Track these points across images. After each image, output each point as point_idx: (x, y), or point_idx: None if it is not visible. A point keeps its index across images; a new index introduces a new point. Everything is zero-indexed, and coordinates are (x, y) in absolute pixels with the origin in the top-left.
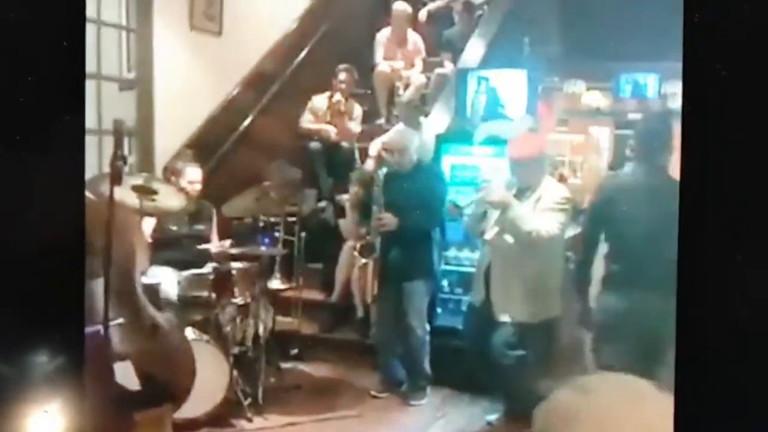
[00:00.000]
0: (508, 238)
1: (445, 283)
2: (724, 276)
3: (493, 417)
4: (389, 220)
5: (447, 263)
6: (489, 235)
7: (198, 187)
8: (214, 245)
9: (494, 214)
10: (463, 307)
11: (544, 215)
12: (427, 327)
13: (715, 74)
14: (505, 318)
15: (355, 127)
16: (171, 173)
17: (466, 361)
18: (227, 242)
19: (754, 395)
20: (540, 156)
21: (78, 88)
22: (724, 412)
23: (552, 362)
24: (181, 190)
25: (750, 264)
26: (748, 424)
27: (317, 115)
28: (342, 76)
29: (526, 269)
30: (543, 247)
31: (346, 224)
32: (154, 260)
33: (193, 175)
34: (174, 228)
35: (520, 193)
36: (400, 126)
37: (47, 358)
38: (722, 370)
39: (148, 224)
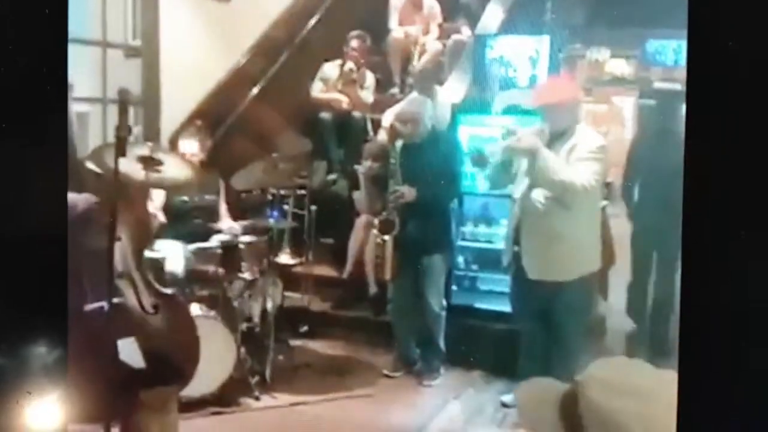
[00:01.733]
0: (538, 193)
1: (460, 259)
2: (728, 254)
3: (508, 397)
4: (407, 192)
5: (463, 239)
6: (517, 188)
7: (196, 159)
8: (225, 225)
9: (523, 165)
10: (479, 285)
11: (579, 165)
12: (444, 303)
13: (722, 45)
14: (539, 277)
15: (368, 96)
16: (175, 143)
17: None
18: (237, 226)
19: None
20: (573, 102)
21: (60, 58)
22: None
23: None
24: (185, 159)
25: (755, 241)
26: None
27: (328, 83)
28: (354, 43)
29: (561, 223)
30: (578, 200)
31: (360, 197)
32: (162, 233)
33: (187, 148)
34: (184, 199)
35: (553, 141)
36: (413, 95)
37: (32, 345)
38: (726, 360)
39: (157, 197)
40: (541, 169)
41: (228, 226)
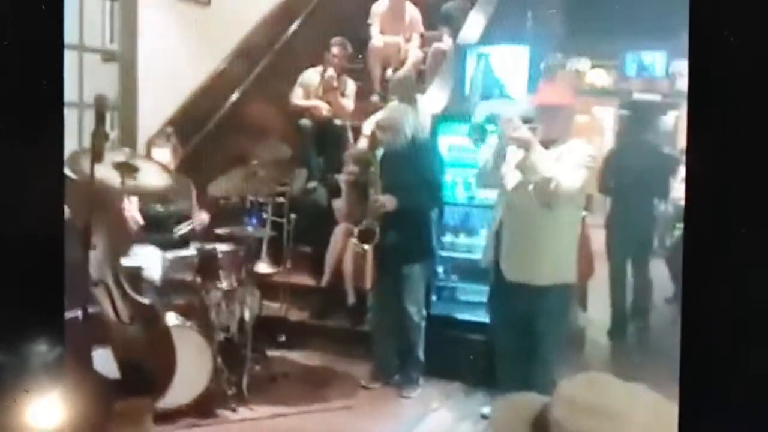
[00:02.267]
0: (527, 188)
1: (440, 269)
2: (729, 256)
3: (488, 409)
4: (387, 201)
5: (443, 249)
6: (507, 182)
7: (170, 166)
8: (195, 221)
9: (511, 162)
10: (459, 295)
11: (568, 168)
12: (424, 313)
13: (723, 40)
14: (516, 279)
15: (349, 104)
16: (150, 149)
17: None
18: (205, 215)
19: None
20: (569, 107)
21: (56, 59)
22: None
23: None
24: (162, 165)
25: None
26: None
27: (309, 90)
28: (335, 50)
29: (542, 226)
30: (562, 202)
31: (340, 205)
32: (138, 240)
33: (159, 156)
34: (159, 207)
35: (545, 145)
36: (394, 102)
37: (27, 345)
38: (727, 369)
39: (134, 204)
40: (532, 163)
41: (198, 219)
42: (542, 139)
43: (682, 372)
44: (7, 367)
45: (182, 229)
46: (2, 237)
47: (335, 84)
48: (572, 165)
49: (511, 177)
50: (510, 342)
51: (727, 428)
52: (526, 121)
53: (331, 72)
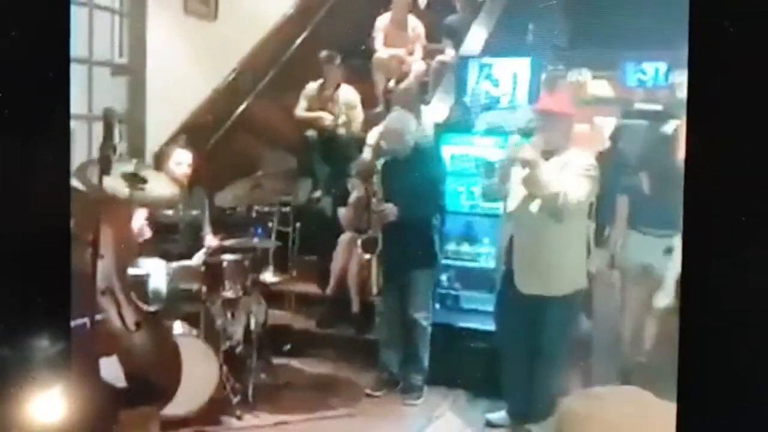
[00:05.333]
0: (534, 203)
1: (444, 277)
2: (728, 256)
3: (493, 416)
4: (389, 210)
5: (446, 257)
6: (512, 202)
7: (186, 170)
8: (207, 248)
9: (521, 175)
10: (463, 303)
11: (572, 179)
12: (430, 319)
13: (723, 31)
14: (530, 291)
15: (358, 115)
16: (161, 159)
17: (467, 359)
18: (216, 241)
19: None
20: (568, 117)
21: (63, 73)
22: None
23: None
24: (171, 175)
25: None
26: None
27: (311, 102)
28: (323, 64)
29: (551, 238)
30: (568, 212)
31: (345, 215)
32: (144, 251)
33: (180, 158)
34: (169, 213)
35: (545, 157)
36: (396, 112)
37: (35, 349)
38: (725, 370)
39: (139, 214)
40: (539, 181)
41: (210, 244)
42: (543, 150)
43: (681, 372)
44: (14, 364)
45: (199, 257)
46: (11, 236)
47: (331, 96)
48: (575, 176)
49: (517, 192)
50: (517, 350)
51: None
52: (527, 133)
53: (328, 90)
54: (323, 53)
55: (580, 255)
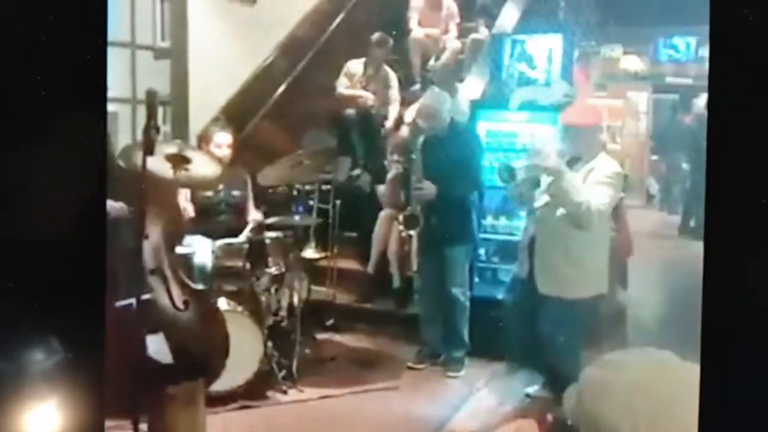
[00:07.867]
0: (557, 210)
1: (482, 251)
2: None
3: (532, 389)
4: (428, 187)
5: (484, 231)
6: (539, 203)
7: (227, 151)
8: (251, 223)
9: (545, 182)
10: (501, 276)
11: (596, 188)
12: (468, 294)
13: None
14: (549, 293)
15: (394, 94)
16: (203, 140)
17: (506, 333)
18: (259, 215)
19: None
20: (597, 127)
21: (100, 59)
22: (751, 380)
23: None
24: (213, 156)
25: None
26: None
27: (353, 80)
28: (376, 47)
29: (574, 243)
30: (592, 221)
31: (383, 191)
32: (190, 229)
33: (220, 139)
34: (209, 194)
35: (572, 163)
36: (432, 89)
37: (68, 340)
38: (748, 338)
39: (186, 194)
40: (563, 190)
41: (255, 218)
42: (571, 157)
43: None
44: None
45: (244, 234)
46: (44, 240)
47: (374, 75)
48: (599, 184)
49: (542, 198)
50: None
51: (747, 393)
52: (560, 107)
53: (370, 71)
54: (375, 36)
55: (602, 260)
